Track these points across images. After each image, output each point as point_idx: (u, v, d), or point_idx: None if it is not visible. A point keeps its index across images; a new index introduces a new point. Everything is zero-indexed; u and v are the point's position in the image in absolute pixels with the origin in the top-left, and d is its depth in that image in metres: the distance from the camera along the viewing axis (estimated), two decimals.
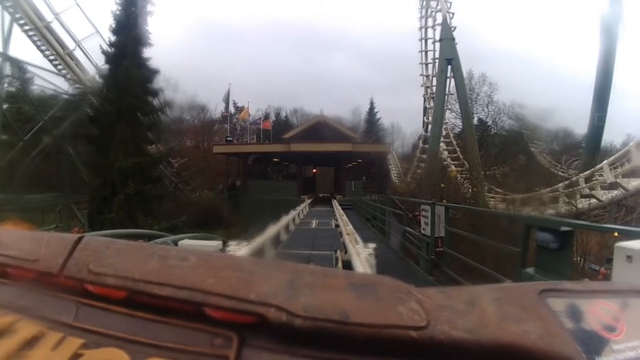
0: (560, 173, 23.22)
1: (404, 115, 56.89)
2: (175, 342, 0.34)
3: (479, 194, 17.31)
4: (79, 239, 0.43)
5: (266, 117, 33.85)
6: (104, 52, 15.00)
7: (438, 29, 22.61)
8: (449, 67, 22.04)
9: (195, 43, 57.57)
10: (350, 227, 6.83)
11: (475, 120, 26.69)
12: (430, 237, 5.04)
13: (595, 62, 19.34)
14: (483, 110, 29.74)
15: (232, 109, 31.10)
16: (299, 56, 56.77)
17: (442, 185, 16.46)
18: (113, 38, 15.03)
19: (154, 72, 15.58)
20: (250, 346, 0.33)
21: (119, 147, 13.77)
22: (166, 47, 49.99)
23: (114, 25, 15.00)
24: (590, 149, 17.74)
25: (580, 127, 26.69)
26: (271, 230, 6.10)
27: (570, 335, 0.33)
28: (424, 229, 5.43)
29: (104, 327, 0.35)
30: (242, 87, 39.02)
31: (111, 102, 14.10)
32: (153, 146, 17.80)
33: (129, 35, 14.56)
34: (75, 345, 0.33)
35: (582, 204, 15.26)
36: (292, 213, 9.98)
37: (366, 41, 58.40)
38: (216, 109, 31.24)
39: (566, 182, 16.46)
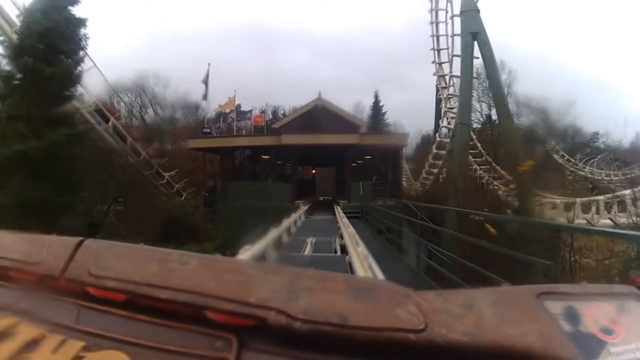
0: (580, 172, 22.54)
1: (400, 116, 52.64)
2: (175, 344, 0.35)
3: (529, 201, 13.16)
4: (80, 242, 0.44)
5: (262, 113, 29.46)
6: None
7: (452, 11, 19.14)
8: (475, 42, 17.65)
9: (194, 42, 54.05)
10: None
11: (484, 115, 23.02)
12: None
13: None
14: None
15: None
16: (294, 57, 53.07)
17: (502, 188, 12.40)
18: None
19: (76, 22, 10.55)
20: (249, 349, 0.35)
21: (6, 129, 9.01)
22: (165, 47, 46.89)
23: None
24: None
25: (587, 125, 27.13)
26: None
27: (568, 338, 0.35)
28: None
29: (105, 329, 0.36)
30: (240, 88, 35.16)
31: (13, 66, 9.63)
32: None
33: None
34: (76, 348, 0.35)
35: None
36: (273, 233, 5.79)
37: (365, 43, 54.67)
38: (209, 108, 27.17)
39: None
